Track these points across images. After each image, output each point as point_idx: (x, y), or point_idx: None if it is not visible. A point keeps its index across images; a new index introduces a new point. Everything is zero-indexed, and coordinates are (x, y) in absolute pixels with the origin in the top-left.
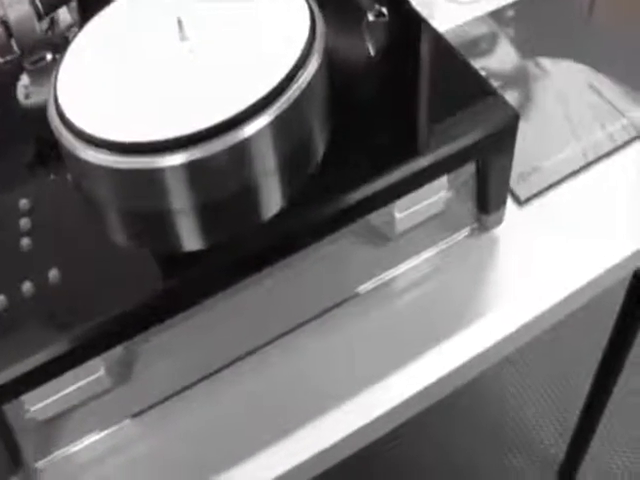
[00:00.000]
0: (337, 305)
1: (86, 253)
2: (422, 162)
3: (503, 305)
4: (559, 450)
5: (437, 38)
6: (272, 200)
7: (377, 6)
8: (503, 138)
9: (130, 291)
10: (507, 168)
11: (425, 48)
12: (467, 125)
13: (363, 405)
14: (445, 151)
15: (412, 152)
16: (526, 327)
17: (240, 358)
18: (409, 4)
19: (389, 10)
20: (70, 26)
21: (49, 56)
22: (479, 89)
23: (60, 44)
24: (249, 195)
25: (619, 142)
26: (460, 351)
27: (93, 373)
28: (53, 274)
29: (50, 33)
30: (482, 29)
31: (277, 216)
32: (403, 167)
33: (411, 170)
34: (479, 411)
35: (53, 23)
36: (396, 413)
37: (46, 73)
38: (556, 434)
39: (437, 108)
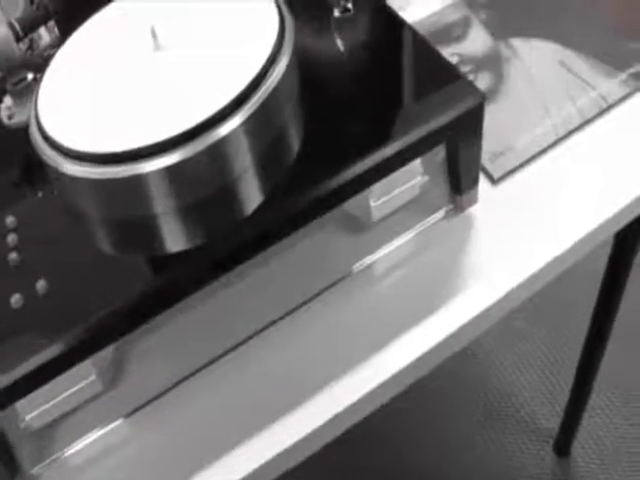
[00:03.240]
0: (320, 292)
1: (72, 262)
2: (393, 147)
3: (480, 282)
4: (555, 424)
5: (403, 27)
6: (251, 195)
7: (342, 2)
8: (470, 119)
9: (114, 294)
10: (476, 148)
11: (391, 38)
12: (435, 109)
13: (352, 382)
14: (414, 136)
15: (383, 139)
16: (502, 301)
17: (227, 352)
18: None
19: (355, 4)
20: (49, 45)
21: (30, 76)
22: (446, 74)
23: (41, 64)
24: (228, 192)
25: (589, 116)
26: (441, 327)
27: (85, 378)
28: (40, 285)
29: (30, 53)
30: (455, 15)
31: (256, 210)
32: (374, 154)
33: (382, 156)
34: (473, 390)
35: (32, 43)
36: (385, 388)
37: (28, 93)
38: (551, 408)
39: (405, 95)
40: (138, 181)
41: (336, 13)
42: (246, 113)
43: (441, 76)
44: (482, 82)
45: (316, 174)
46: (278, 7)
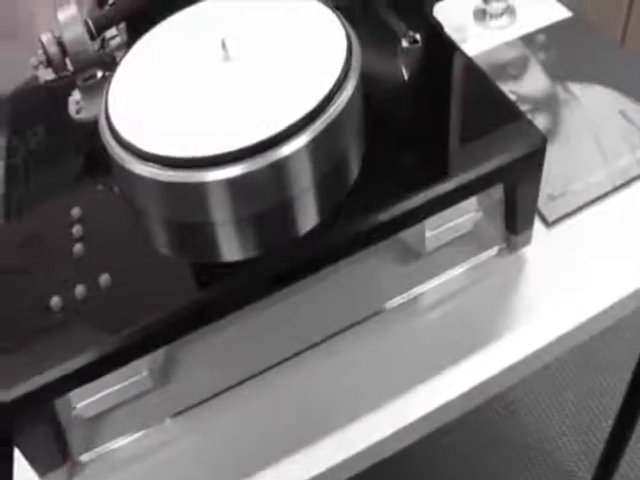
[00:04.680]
0: (368, 318)
1: (133, 260)
2: (451, 183)
3: (528, 324)
4: (586, 472)
5: (469, 63)
6: (307, 216)
7: (411, 33)
8: (531, 162)
9: (173, 297)
10: (535, 190)
11: (456, 73)
12: (496, 148)
13: (388, 415)
14: (473, 173)
15: (442, 173)
16: (549, 346)
17: (275, 365)
18: (442, 30)
19: (422, 36)
20: (119, 46)
21: (99, 74)
22: (508, 113)
23: (110, 62)
24: (286, 210)
25: None
26: (483, 367)
27: (136, 374)
28: (104, 278)
29: (101, 52)
30: (513, 53)
31: (312, 231)
32: (433, 188)
33: (440, 191)
34: (504, 428)
35: (104, 43)
36: (419, 425)
37: (96, 89)
38: (581, 454)
39: (467, 131)
40: (199, 188)
41: (404, 44)
42: (312, 134)
43: (504, 115)
44: (539, 123)
45: (373, 202)
46: (346, 31)
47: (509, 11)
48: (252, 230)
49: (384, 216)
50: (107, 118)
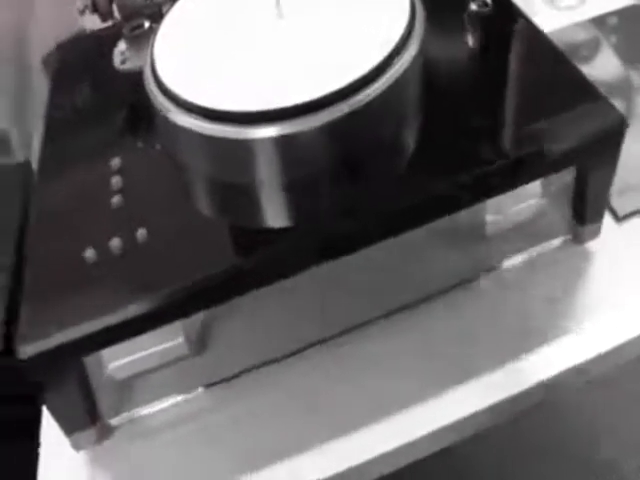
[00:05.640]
0: (419, 302)
1: (172, 216)
2: (518, 162)
3: (589, 323)
4: None
5: (540, 36)
6: (359, 185)
7: None
8: (608, 144)
9: (212, 260)
10: (609, 177)
11: (527, 45)
12: (570, 127)
13: (435, 409)
14: (543, 153)
15: (507, 151)
16: (610, 352)
17: (316, 344)
18: (513, 4)
19: (494, 6)
20: None
21: (147, 24)
22: (584, 91)
23: (157, 14)
24: (336, 176)
25: None
26: (537, 366)
27: (172, 339)
28: (141, 233)
29: (149, 2)
30: (583, 35)
31: (364, 202)
32: (496, 165)
33: (504, 169)
34: (557, 436)
35: None
36: (470, 422)
37: (143, 40)
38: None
39: (536, 107)
40: (244, 145)
41: (473, 7)
42: (367, 96)
43: (578, 93)
44: None
45: (429, 176)
46: None
47: None
48: (299, 195)
49: (442, 190)
50: (152, 68)
